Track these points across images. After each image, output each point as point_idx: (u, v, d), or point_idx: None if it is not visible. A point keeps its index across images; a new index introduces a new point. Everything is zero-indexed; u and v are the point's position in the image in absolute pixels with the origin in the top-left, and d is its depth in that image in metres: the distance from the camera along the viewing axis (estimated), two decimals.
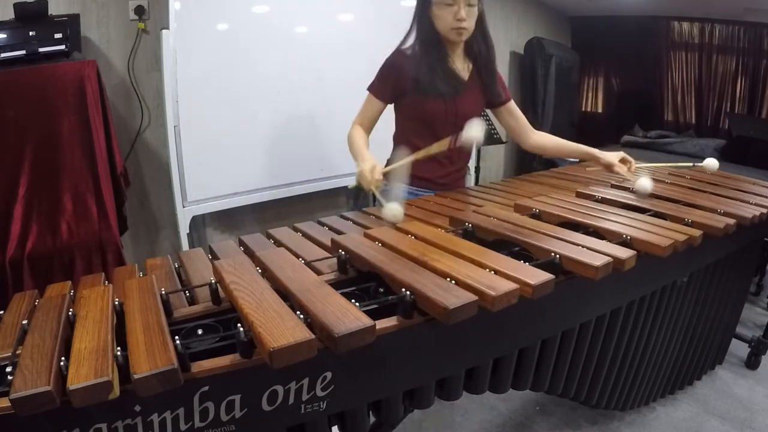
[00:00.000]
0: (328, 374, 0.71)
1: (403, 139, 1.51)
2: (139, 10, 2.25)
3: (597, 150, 1.56)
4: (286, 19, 2.41)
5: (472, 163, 3.19)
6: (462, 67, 1.49)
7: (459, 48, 1.47)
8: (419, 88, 1.42)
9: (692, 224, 1.14)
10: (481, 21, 1.41)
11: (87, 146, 1.92)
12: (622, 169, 1.50)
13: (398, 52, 1.46)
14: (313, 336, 0.62)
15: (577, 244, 0.95)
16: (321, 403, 0.72)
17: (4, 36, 1.86)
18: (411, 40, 1.46)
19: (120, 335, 0.66)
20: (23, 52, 1.84)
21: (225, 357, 0.66)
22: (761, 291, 2.68)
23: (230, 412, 0.67)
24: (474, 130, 1.24)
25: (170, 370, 0.57)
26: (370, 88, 1.49)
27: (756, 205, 1.35)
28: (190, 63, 2.16)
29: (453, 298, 0.72)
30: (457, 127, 1.37)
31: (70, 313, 0.72)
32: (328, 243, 0.99)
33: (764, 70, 3.48)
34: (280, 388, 0.68)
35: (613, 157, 1.52)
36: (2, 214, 1.84)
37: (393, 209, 1.13)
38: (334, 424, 0.82)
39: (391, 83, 1.45)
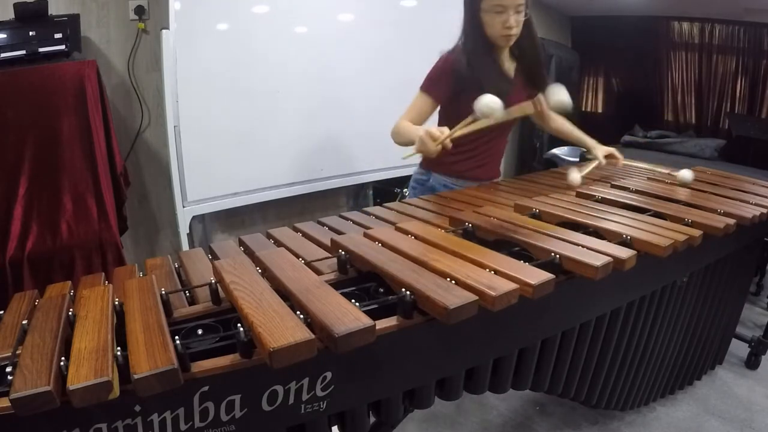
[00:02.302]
0: (328, 374, 0.71)
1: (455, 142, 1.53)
2: (139, 10, 2.25)
3: (594, 142, 1.74)
4: (286, 18, 2.41)
5: None
6: (509, 66, 1.57)
7: (506, 48, 1.53)
8: (476, 87, 1.42)
9: (692, 224, 1.14)
10: (528, 26, 1.48)
11: (87, 146, 1.92)
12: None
13: (451, 53, 1.50)
14: (313, 336, 0.62)
15: (577, 244, 0.95)
16: (321, 403, 0.72)
17: (4, 36, 1.86)
18: (459, 43, 1.51)
19: (120, 335, 0.65)
20: (23, 52, 1.85)
21: (225, 357, 0.66)
22: (761, 291, 2.68)
23: (230, 412, 0.67)
24: (561, 94, 1.29)
25: (170, 370, 0.57)
26: (426, 88, 1.51)
27: (756, 205, 1.35)
28: (190, 63, 2.16)
29: (453, 298, 0.72)
30: (506, 123, 1.51)
31: (70, 313, 0.72)
32: (328, 243, 0.99)
33: (764, 70, 3.47)
34: (280, 388, 0.68)
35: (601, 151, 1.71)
36: (2, 214, 1.84)
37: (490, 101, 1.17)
38: (334, 424, 0.82)
39: (448, 83, 1.48)
